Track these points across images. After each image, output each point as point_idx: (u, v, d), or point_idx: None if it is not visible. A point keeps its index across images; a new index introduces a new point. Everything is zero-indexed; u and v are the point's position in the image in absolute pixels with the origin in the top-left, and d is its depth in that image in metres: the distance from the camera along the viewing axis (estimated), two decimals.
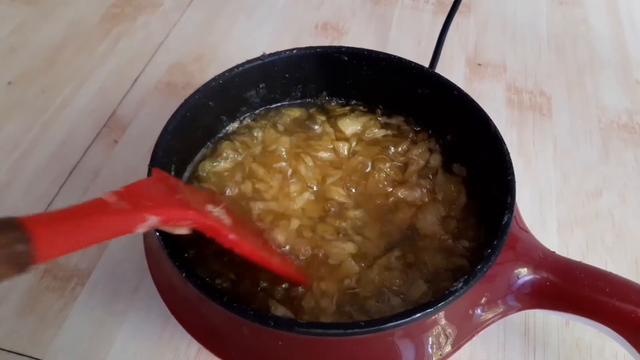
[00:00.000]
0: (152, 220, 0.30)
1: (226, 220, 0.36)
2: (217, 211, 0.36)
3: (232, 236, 0.34)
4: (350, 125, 0.48)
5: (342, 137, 0.48)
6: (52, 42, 0.68)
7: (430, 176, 0.46)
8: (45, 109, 0.61)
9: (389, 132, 0.49)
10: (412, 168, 0.46)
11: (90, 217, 0.28)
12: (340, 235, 0.41)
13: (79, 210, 0.28)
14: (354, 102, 0.51)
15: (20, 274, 0.25)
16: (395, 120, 0.50)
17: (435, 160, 0.47)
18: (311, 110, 0.50)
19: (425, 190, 0.45)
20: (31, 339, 0.45)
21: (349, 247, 0.40)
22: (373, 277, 0.39)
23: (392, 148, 0.47)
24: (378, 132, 0.49)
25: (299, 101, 0.51)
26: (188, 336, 0.37)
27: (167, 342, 0.45)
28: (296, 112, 0.50)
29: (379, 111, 0.50)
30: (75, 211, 0.28)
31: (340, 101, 0.51)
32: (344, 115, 0.49)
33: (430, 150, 0.47)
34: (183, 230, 0.34)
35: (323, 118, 0.49)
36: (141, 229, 0.30)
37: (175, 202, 0.33)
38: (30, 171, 0.56)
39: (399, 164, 0.46)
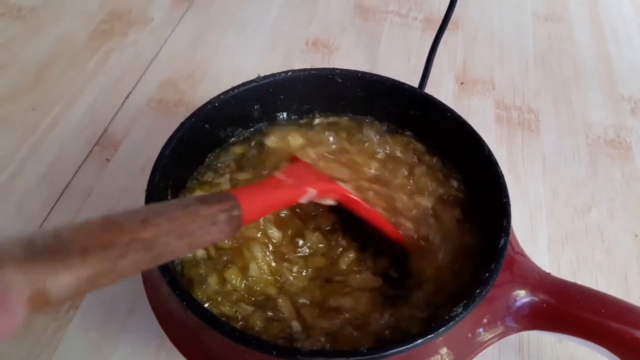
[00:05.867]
0: (312, 193, 0.38)
1: (354, 192, 0.43)
2: (346, 186, 0.43)
3: (364, 205, 0.42)
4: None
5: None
6: (41, 59, 0.68)
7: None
8: (35, 127, 0.60)
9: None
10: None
11: (274, 190, 0.36)
12: None
13: (266, 185, 0.36)
14: (347, 117, 0.51)
15: (233, 233, 0.32)
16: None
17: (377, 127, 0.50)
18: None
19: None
20: None
21: None
22: None
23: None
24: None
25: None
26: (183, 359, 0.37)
27: None
28: (239, 149, 0.49)
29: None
30: (263, 186, 0.36)
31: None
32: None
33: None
34: (329, 202, 0.41)
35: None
36: (304, 199, 0.38)
37: (324, 179, 0.42)
38: (20, 191, 0.55)
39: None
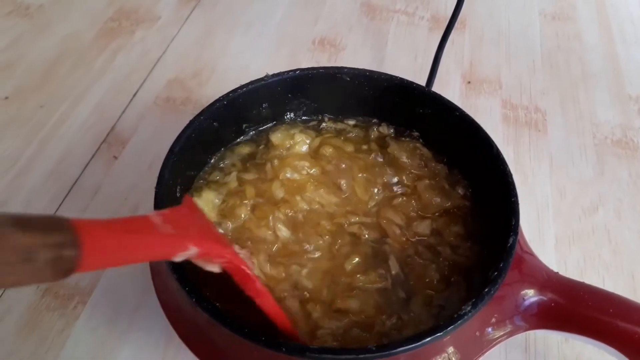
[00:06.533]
0: (192, 251, 0.30)
1: (250, 263, 0.34)
2: (243, 253, 0.35)
3: (258, 284, 0.33)
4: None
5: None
6: (49, 57, 0.68)
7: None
8: (43, 125, 0.61)
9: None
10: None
11: (138, 235, 0.27)
12: None
13: (127, 224, 0.28)
14: (353, 121, 0.51)
15: (58, 279, 0.23)
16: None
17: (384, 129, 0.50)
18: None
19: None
20: None
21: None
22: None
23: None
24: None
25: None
26: (191, 355, 0.37)
27: None
28: (245, 149, 0.49)
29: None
30: (124, 224, 0.27)
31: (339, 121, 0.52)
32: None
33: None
34: (214, 268, 0.32)
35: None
36: (180, 257, 0.29)
37: (215, 237, 0.33)
38: (28, 189, 0.55)
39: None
